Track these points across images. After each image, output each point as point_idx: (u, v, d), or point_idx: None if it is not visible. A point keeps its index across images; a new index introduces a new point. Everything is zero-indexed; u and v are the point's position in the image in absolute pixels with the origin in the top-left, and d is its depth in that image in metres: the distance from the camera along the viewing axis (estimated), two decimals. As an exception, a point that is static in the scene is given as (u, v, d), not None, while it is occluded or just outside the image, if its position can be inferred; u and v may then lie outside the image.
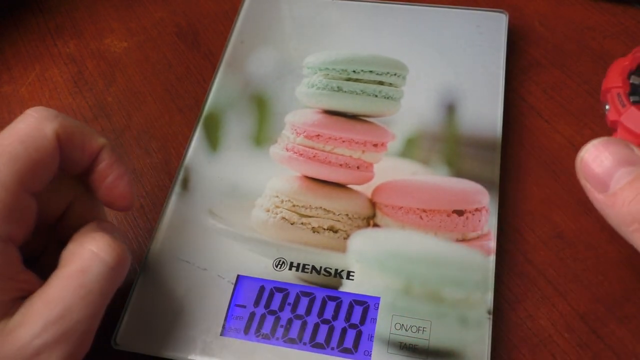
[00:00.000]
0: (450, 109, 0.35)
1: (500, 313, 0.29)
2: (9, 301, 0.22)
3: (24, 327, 0.22)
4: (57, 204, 0.27)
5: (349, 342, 0.28)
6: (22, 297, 0.23)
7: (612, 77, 0.25)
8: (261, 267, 0.30)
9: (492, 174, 0.32)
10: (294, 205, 0.32)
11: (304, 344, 0.28)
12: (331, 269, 0.30)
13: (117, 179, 0.26)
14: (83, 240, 0.24)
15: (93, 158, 0.26)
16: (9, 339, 0.22)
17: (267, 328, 0.28)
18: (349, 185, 0.33)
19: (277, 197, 0.32)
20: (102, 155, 0.26)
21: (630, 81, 0.25)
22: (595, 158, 0.21)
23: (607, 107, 0.25)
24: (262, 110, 0.36)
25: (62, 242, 0.26)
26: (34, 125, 0.24)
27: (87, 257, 0.24)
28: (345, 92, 0.35)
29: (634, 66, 0.25)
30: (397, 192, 0.32)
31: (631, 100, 0.24)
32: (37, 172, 0.23)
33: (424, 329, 0.28)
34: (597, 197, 0.21)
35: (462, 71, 0.36)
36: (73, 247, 0.24)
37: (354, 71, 0.36)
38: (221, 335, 0.28)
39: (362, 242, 0.31)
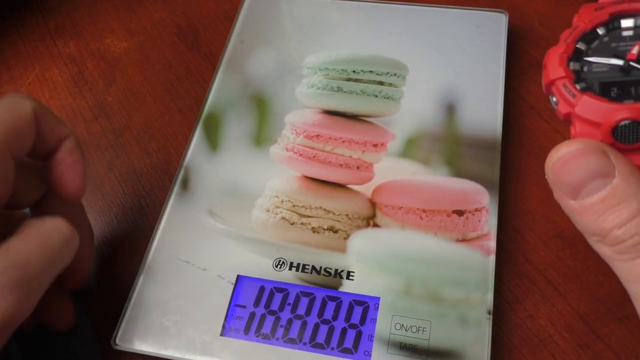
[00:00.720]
0: (450, 109, 0.35)
1: (500, 313, 0.29)
2: None
3: None
4: (30, 192, 0.28)
5: (349, 342, 0.28)
6: None
7: (552, 68, 0.23)
8: (261, 267, 0.30)
9: (492, 174, 0.32)
10: (294, 206, 0.32)
11: (304, 344, 0.28)
12: (331, 269, 0.30)
13: (72, 165, 0.28)
14: (46, 217, 0.26)
15: (58, 143, 0.28)
16: None
17: (267, 328, 0.28)
18: (349, 186, 0.33)
19: (277, 197, 0.32)
20: (65, 143, 0.28)
21: (572, 68, 0.22)
22: (569, 165, 0.20)
23: (554, 100, 0.23)
24: (262, 110, 0.36)
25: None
26: (15, 100, 0.26)
27: (48, 227, 0.26)
28: (345, 92, 0.35)
29: (570, 52, 0.23)
30: (397, 192, 0.32)
31: (579, 88, 0.22)
32: (19, 137, 0.26)
33: (424, 329, 0.28)
34: (567, 203, 0.21)
35: (462, 71, 0.36)
36: (33, 221, 0.26)
37: (354, 71, 0.35)
38: (221, 335, 0.28)
39: (362, 242, 0.31)
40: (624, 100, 0.21)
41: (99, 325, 0.31)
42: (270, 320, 0.29)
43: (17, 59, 0.43)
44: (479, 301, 0.28)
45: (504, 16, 0.38)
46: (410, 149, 0.34)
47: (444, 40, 0.38)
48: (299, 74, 0.37)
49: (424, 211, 0.31)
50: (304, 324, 0.28)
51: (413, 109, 0.35)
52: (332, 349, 0.28)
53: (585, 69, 0.22)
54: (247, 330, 0.28)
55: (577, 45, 0.23)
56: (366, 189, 0.33)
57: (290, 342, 0.28)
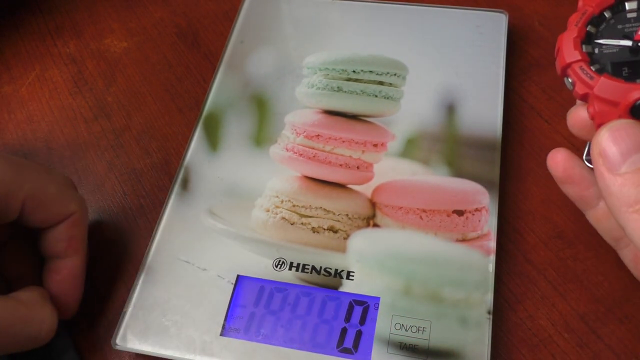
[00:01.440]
0: (450, 109, 0.35)
1: (500, 313, 0.29)
2: None
3: None
4: (11, 206, 0.27)
5: (349, 342, 0.28)
6: None
7: (567, 51, 0.24)
8: (261, 267, 0.30)
9: (492, 174, 0.32)
10: (294, 205, 0.32)
11: (304, 344, 0.28)
12: (331, 269, 0.30)
13: (71, 289, 0.29)
14: (42, 303, 0.27)
15: (65, 254, 0.28)
16: None
17: (267, 328, 0.28)
18: (349, 185, 0.33)
19: (277, 197, 0.32)
20: (73, 260, 0.28)
21: (585, 51, 0.24)
22: (616, 134, 0.21)
23: (570, 81, 0.24)
24: (262, 110, 0.36)
25: (23, 237, 0.29)
26: (7, 179, 0.26)
27: (40, 316, 0.26)
28: (345, 92, 0.35)
29: (583, 36, 0.24)
30: (397, 192, 0.32)
31: (594, 70, 0.23)
32: (36, 212, 0.27)
33: (424, 329, 0.28)
34: (606, 174, 0.22)
35: (462, 71, 0.36)
36: (30, 294, 0.27)
37: (354, 71, 0.36)
38: (221, 335, 0.28)
39: (362, 242, 0.31)
40: (636, 79, 0.22)
41: (99, 325, 0.31)
42: (270, 320, 0.29)
43: (17, 59, 0.43)
44: (479, 301, 0.28)
45: (504, 16, 0.38)
46: (410, 149, 0.34)
47: (444, 40, 0.38)
48: (299, 74, 0.37)
49: (424, 211, 0.31)
50: (304, 324, 0.28)
51: (413, 109, 0.35)
52: (332, 348, 0.28)
53: (597, 50, 0.24)
54: (247, 330, 0.28)
55: (588, 29, 0.24)
56: (366, 189, 0.33)
57: (290, 342, 0.28)
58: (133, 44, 0.43)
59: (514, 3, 0.41)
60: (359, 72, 0.35)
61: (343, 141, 0.33)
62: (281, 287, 0.30)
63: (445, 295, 0.28)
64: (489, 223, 0.31)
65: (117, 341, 0.29)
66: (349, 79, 0.35)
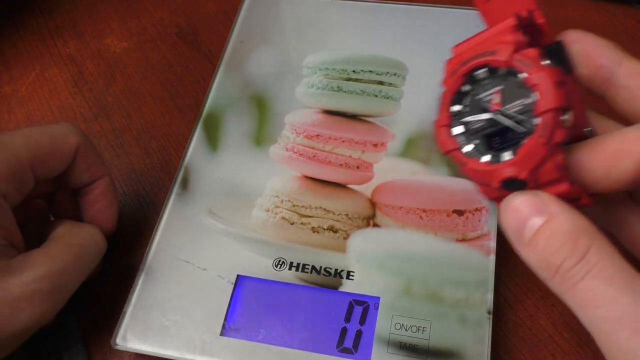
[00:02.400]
0: (450, 109, 0.35)
1: (500, 313, 0.29)
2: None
3: (26, 270, 0.25)
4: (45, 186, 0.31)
5: (349, 342, 0.28)
6: (7, 246, 0.26)
7: (443, 142, 0.23)
8: (261, 267, 0.30)
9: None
10: (294, 205, 0.32)
11: (304, 344, 0.28)
12: (331, 269, 0.30)
13: (106, 206, 0.31)
14: (81, 224, 0.29)
15: (93, 180, 0.30)
16: (10, 277, 0.25)
17: (267, 328, 0.28)
18: (349, 185, 0.33)
19: (277, 197, 0.32)
20: (101, 182, 0.31)
21: (455, 134, 0.23)
22: (509, 210, 0.21)
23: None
24: (262, 110, 0.36)
25: (43, 218, 0.31)
26: (63, 130, 0.29)
27: (85, 236, 0.28)
28: (345, 92, 0.35)
29: (449, 121, 0.23)
30: (397, 192, 0.32)
31: (464, 153, 0.23)
32: (48, 163, 0.28)
33: (424, 329, 0.28)
34: (520, 249, 0.21)
35: (462, 71, 0.36)
36: (71, 225, 0.29)
37: (353, 71, 0.36)
38: (221, 335, 0.28)
39: (362, 242, 0.31)
40: (509, 147, 0.22)
41: (99, 325, 0.31)
42: (270, 320, 0.29)
43: (17, 59, 0.43)
44: (479, 301, 0.28)
45: (504, 16, 0.38)
46: (410, 149, 0.34)
47: (444, 40, 0.38)
48: (299, 74, 0.37)
49: (424, 211, 0.31)
50: (304, 324, 0.28)
51: (413, 109, 0.35)
52: (332, 348, 0.28)
53: (468, 129, 0.23)
54: (247, 330, 0.28)
55: (453, 110, 0.23)
56: (366, 189, 0.33)
57: (290, 342, 0.28)
58: (133, 44, 0.43)
59: (514, 3, 0.41)
60: (359, 72, 0.35)
61: (343, 141, 0.33)
62: (281, 287, 0.30)
63: (445, 295, 0.28)
64: (489, 223, 0.31)
65: (118, 341, 0.29)
66: (349, 79, 0.35)
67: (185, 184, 0.34)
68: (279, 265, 0.30)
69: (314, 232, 0.31)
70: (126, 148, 0.37)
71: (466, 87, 0.23)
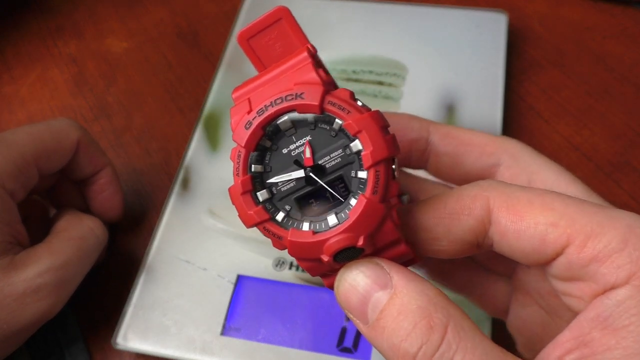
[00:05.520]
0: (449, 109, 0.35)
1: (499, 313, 0.29)
2: (4, 242, 0.26)
3: (30, 265, 0.26)
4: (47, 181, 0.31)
5: (348, 342, 0.28)
6: (13, 243, 0.26)
7: (243, 215, 0.19)
8: (261, 267, 0.30)
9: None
10: (293, 205, 0.32)
11: (304, 343, 0.28)
12: (331, 268, 0.30)
13: (112, 194, 0.32)
14: (81, 216, 0.30)
15: (96, 171, 0.31)
16: (15, 273, 0.25)
17: (267, 327, 0.29)
18: (348, 185, 0.33)
19: (277, 197, 0.32)
20: (104, 172, 0.31)
21: (261, 201, 0.18)
22: (347, 289, 0.18)
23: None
24: (262, 111, 0.36)
25: (41, 214, 0.32)
26: (64, 125, 0.29)
27: (86, 229, 0.29)
28: (345, 92, 0.35)
29: (250, 186, 0.18)
30: (396, 192, 0.32)
31: (280, 223, 0.18)
32: (52, 157, 0.28)
33: (424, 329, 0.28)
34: (364, 330, 0.18)
35: (462, 71, 0.36)
36: (71, 219, 0.29)
37: (353, 71, 0.36)
38: (221, 334, 0.28)
39: (362, 242, 0.31)
40: (330, 210, 0.18)
41: (99, 324, 0.31)
42: (270, 319, 0.29)
43: (17, 59, 0.43)
44: (479, 301, 0.28)
45: (504, 16, 0.38)
46: (410, 149, 0.34)
47: (444, 40, 0.38)
48: (299, 74, 0.37)
49: (424, 211, 0.31)
50: (304, 324, 0.29)
51: (413, 109, 0.35)
52: (332, 348, 0.28)
53: (275, 191, 0.18)
54: (247, 329, 0.29)
55: (253, 172, 0.18)
56: (366, 189, 0.33)
57: (290, 342, 0.28)
58: (133, 45, 0.43)
59: (514, 3, 0.41)
60: (358, 72, 0.36)
61: (343, 141, 0.33)
62: (281, 287, 0.30)
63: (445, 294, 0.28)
64: (489, 223, 0.31)
65: (118, 340, 0.29)
66: (348, 79, 0.35)
67: (185, 184, 0.34)
68: (279, 265, 0.30)
69: (313, 232, 0.31)
70: (126, 148, 0.38)
71: (266, 142, 0.18)
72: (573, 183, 0.20)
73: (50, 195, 0.32)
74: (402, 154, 0.22)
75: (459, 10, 0.39)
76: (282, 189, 0.18)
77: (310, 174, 0.18)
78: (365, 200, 0.17)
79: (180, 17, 0.44)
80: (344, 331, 0.28)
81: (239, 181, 0.18)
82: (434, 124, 0.23)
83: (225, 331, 0.29)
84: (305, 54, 0.18)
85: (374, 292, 0.17)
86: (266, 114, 0.18)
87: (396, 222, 0.18)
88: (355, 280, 0.18)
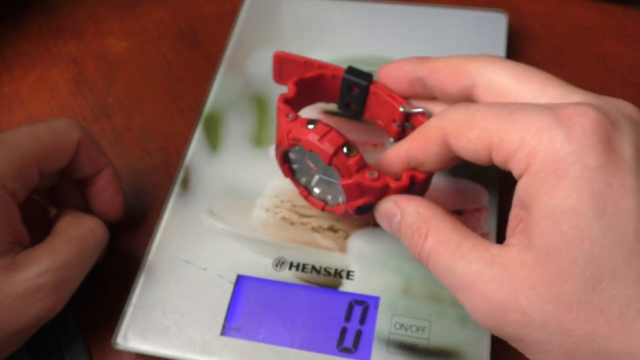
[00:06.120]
0: (450, 109, 0.35)
1: (500, 313, 0.29)
2: (5, 243, 0.26)
3: (30, 266, 0.26)
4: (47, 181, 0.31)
5: (348, 342, 0.28)
6: (14, 243, 0.27)
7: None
8: (261, 267, 0.30)
9: (492, 174, 0.32)
10: (294, 205, 0.32)
11: (304, 343, 0.28)
12: (331, 268, 0.30)
13: (113, 195, 0.32)
14: (82, 216, 0.30)
15: (97, 172, 0.31)
16: (15, 273, 0.25)
17: (267, 328, 0.29)
18: (348, 185, 0.33)
19: (277, 197, 0.32)
20: (105, 172, 0.31)
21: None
22: (380, 214, 0.27)
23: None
24: (262, 110, 0.36)
25: (42, 214, 0.32)
26: (64, 125, 0.29)
27: (86, 229, 0.29)
28: (345, 92, 0.35)
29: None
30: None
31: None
32: (52, 158, 0.29)
33: (424, 329, 0.28)
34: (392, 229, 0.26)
35: (461, 71, 0.36)
36: (71, 219, 0.29)
37: (353, 71, 0.35)
38: (221, 335, 0.28)
39: (362, 241, 0.31)
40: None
41: (99, 324, 0.31)
42: (270, 319, 0.29)
43: (17, 59, 0.43)
44: (479, 301, 0.28)
45: (504, 16, 0.39)
46: (410, 149, 0.34)
47: (444, 40, 0.38)
48: (299, 74, 0.37)
49: (424, 211, 0.31)
50: (304, 324, 0.28)
51: (413, 109, 0.35)
52: (332, 348, 0.28)
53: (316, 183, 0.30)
54: (247, 329, 0.29)
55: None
56: (366, 189, 0.33)
57: (290, 342, 0.28)
58: (133, 44, 0.43)
59: (514, 3, 0.41)
60: (359, 72, 0.35)
61: (343, 141, 0.33)
62: (281, 286, 0.30)
63: (445, 294, 0.28)
64: (489, 223, 0.31)
65: (118, 340, 0.29)
66: (349, 79, 0.35)
67: (185, 184, 0.34)
68: (279, 265, 0.30)
69: (314, 232, 0.31)
70: (127, 148, 0.38)
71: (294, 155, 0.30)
72: (529, 80, 0.25)
73: (51, 195, 0.32)
74: (407, 93, 0.29)
75: (459, 10, 0.39)
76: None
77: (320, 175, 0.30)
78: (344, 182, 0.26)
79: (180, 17, 0.44)
80: (344, 331, 0.28)
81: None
82: (422, 62, 0.28)
83: (225, 331, 0.29)
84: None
85: (393, 216, 0.25)
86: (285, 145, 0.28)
87: (376, 178, 0.25)
88: (382, 210, 0.26)
